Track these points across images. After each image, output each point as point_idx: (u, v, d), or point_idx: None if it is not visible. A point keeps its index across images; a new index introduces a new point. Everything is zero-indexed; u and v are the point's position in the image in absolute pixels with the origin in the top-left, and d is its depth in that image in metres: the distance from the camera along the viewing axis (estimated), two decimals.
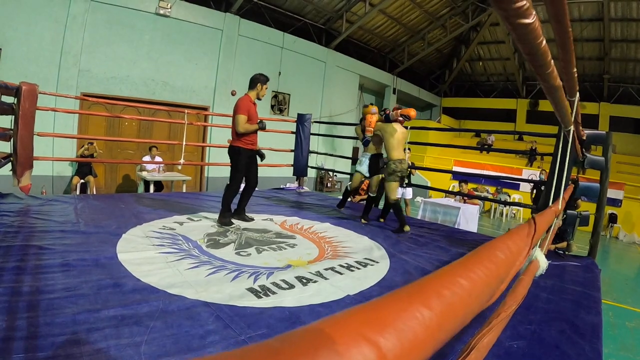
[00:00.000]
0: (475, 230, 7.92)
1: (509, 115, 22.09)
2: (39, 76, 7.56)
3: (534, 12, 1.14)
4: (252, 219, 5.18)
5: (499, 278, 0.88)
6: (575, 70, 2.26)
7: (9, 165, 5.25)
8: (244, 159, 4.86)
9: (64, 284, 2.72)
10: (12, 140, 5.15)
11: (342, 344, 0.39)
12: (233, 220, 4.95)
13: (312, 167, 8.75)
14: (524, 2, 1.05)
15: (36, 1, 9.38)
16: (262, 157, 5.28)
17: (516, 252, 1.10)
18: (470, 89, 24.20)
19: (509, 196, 13.52)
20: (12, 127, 5.15)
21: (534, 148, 17.53)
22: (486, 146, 18.02)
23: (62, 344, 2.02)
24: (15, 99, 5.09)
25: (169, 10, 10.99)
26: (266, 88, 5.00)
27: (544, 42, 1.39)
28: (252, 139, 4.90)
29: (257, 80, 4.94)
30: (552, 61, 1.66)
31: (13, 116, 5.12)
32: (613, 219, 12.68)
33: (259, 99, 4.97)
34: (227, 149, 4.94)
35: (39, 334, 2.08)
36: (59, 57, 9.68)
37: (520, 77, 21.58)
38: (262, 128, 4.88)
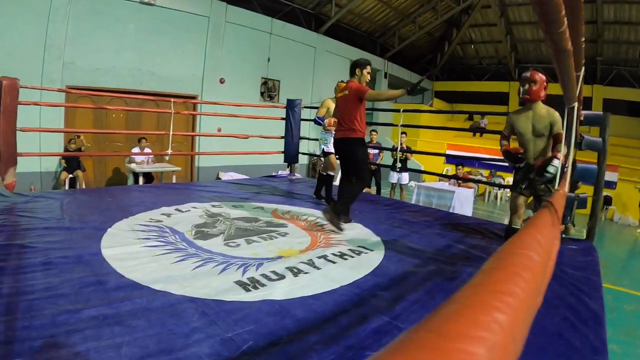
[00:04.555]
0: (470, 214, 7.88)
1: (501, 99, 21.93)
2: (23, 71, 7.39)
3: None
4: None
5: (538, 290, 0.69)
6: (583, 39, 2.05)
7: None
8: (366, 150, 4.70)
9: (45, 283, 2.62)
10: None
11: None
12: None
13: (303, 154, 8.66)
14: None
15: None
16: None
17: (549, 250, 0.92)
18: (462, 73, 24.04)
19: (503, 179, 13.49)
20: None
21: None
22: (479, 129, 17.97)
23: (39, 348, 1.93)
24: None
25: None
26: (368, 73, 4.59)
27: None
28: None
29: (356, 66, 4.57)
30: (565, 19, 1.44)
31: None
32: (608, 201, 12.73)
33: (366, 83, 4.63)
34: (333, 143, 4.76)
35: (16, 338, 1.99)
36: (43, 50, 9.49)
37: (512, 60, 21.43)
38: (415, 89, 4.35)
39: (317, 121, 5.90)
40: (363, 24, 17.81)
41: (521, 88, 3.85)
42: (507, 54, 21.31)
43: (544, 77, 3.79)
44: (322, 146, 6.13)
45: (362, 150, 4.57)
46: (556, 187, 3.28)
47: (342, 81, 5.04)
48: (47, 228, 3.85)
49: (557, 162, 3.54)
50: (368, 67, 4.62)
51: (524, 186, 4.10)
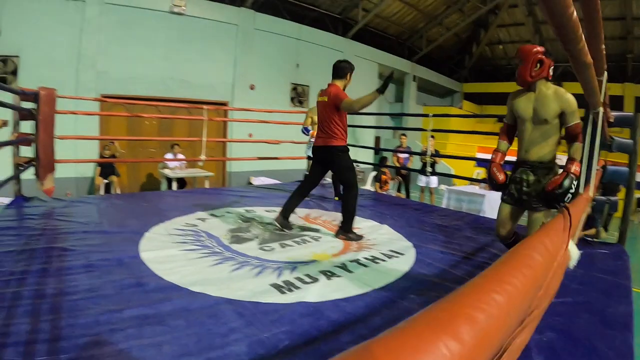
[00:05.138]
0: None
1: None
2: (58, 80, 7.61)
3: None
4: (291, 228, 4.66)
5: (537, 285, 0.84)
6: (603, 46, 2.29)
7: (32, 169, 5.28)
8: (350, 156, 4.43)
9: (87, 285, 2.70)
10: (33, 144, 5.18)
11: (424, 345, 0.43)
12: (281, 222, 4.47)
13: None
14: None
15: (50, 7, 9.56)
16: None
17: (554, 252, 1.05)
18: (491, 74, 23.62)
19: None
20: (33, 132, 5.17)
21: None
22: None
23: (84, 345, 2.00)
24: (35, 104, 5.12)
25: (184, 8, 11.03)
26: (351, 79, 4.43)
27: (575, 13, 1.32)
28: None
29: (347, 69, 4.36)
30: (583, 36, 1.61)
31: (33, 121, 5.15)
32: None
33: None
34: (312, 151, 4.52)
35: (62, 336, 2.07)
36: (76, 60, 9.84)
37: None
38: (386, 86, 4.16)
39: (303, 132, 6.14)
40: (390, 27, 17.77)
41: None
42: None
43: (536, 51, 2.90)
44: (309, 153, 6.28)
45: (345, 157, 4.34)
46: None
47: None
48: (86, 232, 3.95)
49: (567, 182, 2.74)
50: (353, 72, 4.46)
51: (508, 193, 3.19)
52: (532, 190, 3.03)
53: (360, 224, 4.79)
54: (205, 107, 6.98)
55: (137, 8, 10.58)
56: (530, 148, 3.02)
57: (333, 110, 4.25)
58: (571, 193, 2.74)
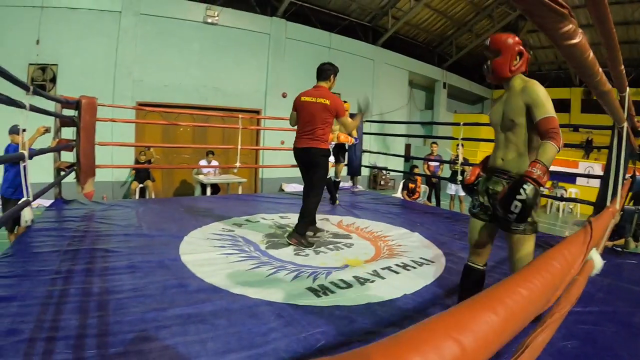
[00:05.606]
0: None
1: (563, 106, 20.77)
2: (95, 89, 7.81)
3: (579, 31, 1.25)
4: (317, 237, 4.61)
5: (554, 286, 0.96)
6: (622, 67, 2.34)
7: (73, 174, 5.47)
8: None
9: (131, 284, 2.81)
10: (75, 150, 5.35)
11: (433, 341, 0.50)
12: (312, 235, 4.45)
13: (365, 166, 8.67)
14: (570, 25, 1.16)
15: (87, 18, 9.90)
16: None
17: (571, 261, 1.16)
18: None
19: (565, 190, 12.95)
20: (75, 138, 5.34)
21: (589, 139, 16.77)
22: None
23: (132, 340, 2.10)
24: (76, 112, 5.30)
25: (217, 18, 11.24)
26: (335, 81, 4.40)
27: (591, 55, 1.49)
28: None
29: (331, 71, 4.31)
30: (600, 69, 1.78)
31: (75, 128, 5.33)
32: None
33: None
34: (294, 152, 4.44)
35: (110, 331, 2.18)
36: (113, 69, 10.13)
37: None
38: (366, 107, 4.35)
39: None
40: (420, 34, 17.71)
41: (485, 65, 2.48)
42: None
43: (516, 41, 2.38)
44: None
45: (325, 162, 4.29)
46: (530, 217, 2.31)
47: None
48: (127, 234, 4.07)
49: (529, 189, 2.02)
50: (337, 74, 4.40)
51: (477, 205, 2.61)
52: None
53: (392, 232, 4.81)
54: (240, 115, 7.09)
55: (171, 18, 10.85)
56: (501, 155, 2.48)
57: (327, 115, 4.19)
58: (520, 201, 2.03)
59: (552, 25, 1.15)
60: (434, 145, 10.28)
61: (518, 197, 2.03)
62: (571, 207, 13.11)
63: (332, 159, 6.33)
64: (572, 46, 1.29)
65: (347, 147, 6.69)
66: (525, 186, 2.03)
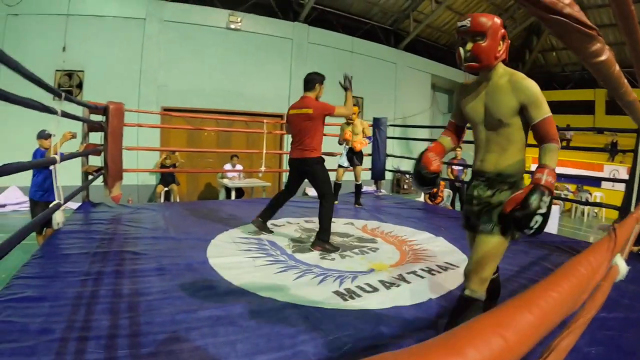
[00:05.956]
0: (555, 232, 7.45)
1: (587, 107, 20.36)
2: (120, 94, 7.93)
3: (606, 48, 1.31)
4: (272, 232, 4.65)
5: (580, 289, 1.02)
6: None
7: (100, 177, 5.57)
8: (325, 167, 4.39)
9: (160, 286, 2.84)
10: (102, 154, 5.45)
11: (483, 336, 0.56)
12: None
13: (389, 170, 8.62)
14: (598, 45, 1.21)
15: (113, 25, 10.12)
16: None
17: (596, 266, 1.19)
18: (545, 81, 22.68)
19: (590, 194, 12.69)
20: (103, 143, 5.44)
21: (614, 142, 16.40)
22: (564, 141, 17.03)
23: (163, 341, 2.13)
24: (104, 117, 5.40)
25: (240, 24, 11.33)
26: (323, 89, 4.38)
27: (617, 69, 1.56)
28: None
29: (316, 81, 4.33)
30: (625, 80, 1.89)
31: (103, 133, 5.44)
32: None
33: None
34: (289, 162, 4.51)
35: (141, 332, 2.20)
36: (138, 75, 10.31)
37: None
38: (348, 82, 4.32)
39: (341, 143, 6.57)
40: (442, 37, 17.61)
41: (461, 50, 2.07)
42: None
43: (499, 23, 2.02)
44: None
45: (321, 168, 4.30)
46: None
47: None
48: (154, 237, 4.12)
49: (534, 200, 1.81)
50: (323, 82, 4.39)
51: (467, 218, 2.37)
52: (482, 208, 2.15)
53: (416, 236, 4.78)
54: (265, 120, 7.12)
55: (194, 25, 11.00)
56: (486, 157, 2.16)
57: (319, 123, 4.26)
58: (542, 215, 1.81)
59: (581, 44, 1.19)
60: (458, 149, 10.15)
61: (539, 211, 1.80)
62: (596, 211, 12.80)
63: (345, 163, 6.62)
64: (599, 63, 1.33)
65: (362, 150, 6.67)
66: (544, 198, 1.82)
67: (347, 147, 6.63)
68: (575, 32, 1.09)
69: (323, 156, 4.37)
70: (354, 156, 6.60)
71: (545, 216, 1.82)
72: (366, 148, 7.98)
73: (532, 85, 1.99)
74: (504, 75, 2.06)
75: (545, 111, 2.00)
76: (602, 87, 1.67)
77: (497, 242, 2.06)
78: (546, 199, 1.82)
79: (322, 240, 4.15)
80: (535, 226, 1.81)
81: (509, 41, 2.10)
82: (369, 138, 6.63)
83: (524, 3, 1.00)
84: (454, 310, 2.16)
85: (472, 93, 2.20)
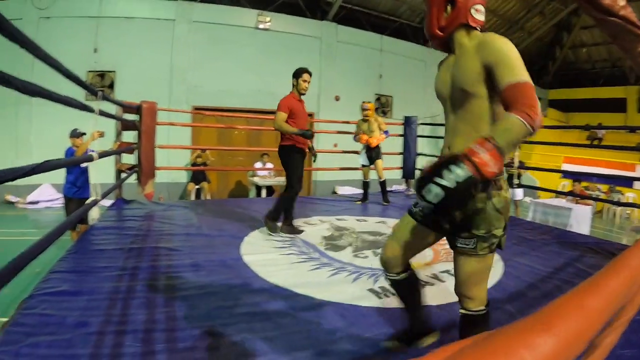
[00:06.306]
0: (587, 233, 7.26)
1: (618, 105, 19.42)
2: (152, 94, 8.00)
3: None
4: (302, 231, 4.61)
5: (624, 291, 0.97)
6: None
7: (133, 175, 5.64)
8: (300, 159, 4.49)
9: (196, 282, 2.84)
10: (135, 152, 5.53)
11: (530, 339, 0.54)
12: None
13: (419, 170, 8.51)
14: None
15: (143, 26, 10.29)
16: (314, 154, 4.93)
17: (636, 268, 1.14)
18: (575, 79, 21.69)
19: (622, 194, 12.31)
20: (136, 141, 5.49)
21: None
22: (596, 140, 16.56)
23: (200, 336, 2.14)
24: (138, 116, 5.48)
25: (268, 23, 11.37)
26: (304, 81, 4.49)
27: None
28: (302, 138, 4.45)
29: (293, 76, 4.56)
30: None
31: (136, 131, 5.51)
32: None
33: (302, 93, 4.58)
34: (305, 152, 4.60)
35: (178, 327, 2.21)
36: (169, 75, 10.45)
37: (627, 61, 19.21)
38: (306, 136, 4.36)
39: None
40: None
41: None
42: (622, 55, 19.15)
43: None
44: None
45: (291, 156, 4.43)
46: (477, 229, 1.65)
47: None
48: (188, 234, 4.15)
49: (457, 172, 1.33)
50: (304, 74, 4.49)
51: (418, 206, 1.96)
52: (456, 216, 1.74)
53: None
54: None
55: (223, 25, 11.08)
56: (454, 141, 1.75)
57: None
58: (441, 187, 1.34)
59: (632, 45, 1.21)
60: None
61: (438, 180, 1.34)
62: (628, 212, 12.40)
63: (365, 161, 6.69)
64: None
65: (379, 146, 6.60)
66: (453, 167, 1.33)
67: (364, 145, 6.62)
68: (628, 33, 1.11)
69: (298, 146, 4.43)
70: (372, 152, 6.57)
71: (448, 192, 1.33)
72: (396, 146, 7.91)
73: (502, 44, 1.58)
74: (473, 39, 1.69)
75: (518, 74, 1.50)
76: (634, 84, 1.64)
77: (482, 260, 1.70)
78: (459, 172, 1.32)
79: (268, 217, 4.39)
80: (428, 197, 1.36)
81: (468, 3, 1.67)
82: (385, 132, 6.52)
83: (584, 5, 0.99)
84: (460, 329, 1.92)
85: (442, 69, 1.85)
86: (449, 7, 1.69)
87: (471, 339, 0.58)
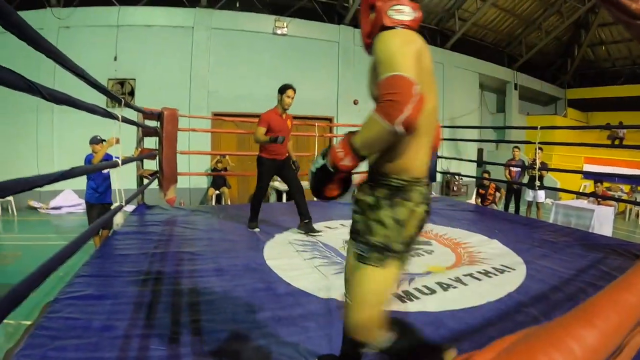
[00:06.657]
0: (609, 234, 7.11)
1: (638, 104, 18.54)
2: (172, 100, 8.08)
3: None
4: (319, 232, 4.68)
5: None
6: None
7: (155, 181, 5.70)
8: (266, 169, 4.77)
9: (220, 286, 2.86)
10: (157, 158, 5.57)
11: (576, 332, 0.57)
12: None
13: (439, 172, 8.45)
14: None
15: (162, 34, 10.42)
16: (297, 167, 5.14)
17: None
18: (595, 78, 21.17)
19: None
20: (158, 147, 5.54)
21: None
22: (617, 140, 16.21)
23: (225, 339, 2.15)
24: (159, 123, 5.54)
25: (286, 29, 11.42)
26: (288, 97, 4.69)
27: None
28: (275, 148, 4.68)
29: (278, 91, 4.78)
30: None
31: (158, 138, 5.56)
32: None
33: (285, 109, 4.76)
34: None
35: (203, 330, 2.23)
36: (189, 81, 10.56)
37: None
38: (273, 142, 4.57)
39: None
40: (488, 35, 17.15)
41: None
42: None
43: None
44: None
45: (260, 167, 4.82)
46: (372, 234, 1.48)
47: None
48: (210, 239, 4.17)
49: (319, 161, 1.51)
50: (289, 91, 4.66)
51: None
52: (361, 219, 1.59)
53: (470, 238, 4.70)
54: (316, 123, 7.14)
55: (241, 31, 11.16)
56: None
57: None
58: (311, 172, 1.54)
59: None
60: (516, 150, 9.75)
61: (312, 164, 1.54)
62: None
63: None
64: None
65: None
66: (319, 156, 1.50)
67: None
68: None
69: (267, 157, 4.73)
70: None
71: (311, 175, 1.52)
72: None
73: (383, 41, 1.44)
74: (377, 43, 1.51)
75: (389, 69, 1.35)
76: None
77: (375, 273, 1.48)
78: (319, 160, 1.48)
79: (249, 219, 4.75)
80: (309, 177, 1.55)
81: (385, 5, 1.53)
82: None
83: (611, 9, 0.95)
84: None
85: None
86: (371, 12, 1.59)
87: (519, 333, 0.60)
